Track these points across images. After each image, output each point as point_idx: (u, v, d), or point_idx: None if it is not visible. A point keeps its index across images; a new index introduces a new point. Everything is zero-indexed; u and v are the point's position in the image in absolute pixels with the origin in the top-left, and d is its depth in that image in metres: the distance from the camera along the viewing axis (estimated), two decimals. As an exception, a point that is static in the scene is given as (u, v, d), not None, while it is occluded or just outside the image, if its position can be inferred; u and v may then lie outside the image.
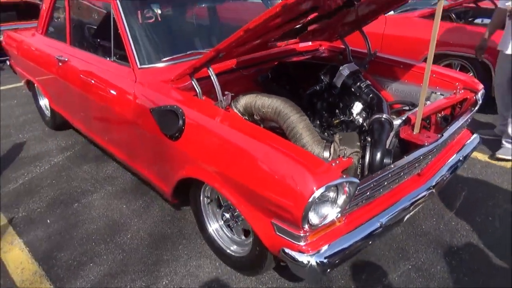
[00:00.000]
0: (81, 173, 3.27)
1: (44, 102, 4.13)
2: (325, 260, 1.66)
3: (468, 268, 2.22)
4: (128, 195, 2.94)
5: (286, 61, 2.72)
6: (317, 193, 1.50)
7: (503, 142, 3.39)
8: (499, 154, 3.35)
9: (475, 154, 3.46)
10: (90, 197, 2.93)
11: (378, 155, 1.82)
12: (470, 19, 5.11)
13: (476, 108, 2.47)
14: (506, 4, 3.09)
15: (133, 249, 2.40)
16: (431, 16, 4.57)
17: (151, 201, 2.86)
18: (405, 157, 1.89)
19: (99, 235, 2.53)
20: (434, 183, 2.17)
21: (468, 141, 2.61)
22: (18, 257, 2.37)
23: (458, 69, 4.25)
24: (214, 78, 2.03)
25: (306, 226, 1.60)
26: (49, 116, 4.06)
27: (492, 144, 3.56)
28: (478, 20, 5.07)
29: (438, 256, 2.31)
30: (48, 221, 2.69)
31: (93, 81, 2.73)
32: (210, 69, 2.04)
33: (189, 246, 2.41)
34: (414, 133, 2.06)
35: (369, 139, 1.90)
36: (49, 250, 2.41)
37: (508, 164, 3.30)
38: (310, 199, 1.50)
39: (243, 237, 2.17)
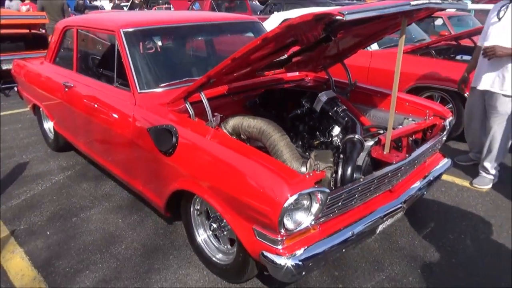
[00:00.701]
0: (80, 191, 3.47)
1: (48, 125, 4.37)
2: (300, 263, 1.85)
3: (438, 279, 2.40)
4: (124, 211, 3.13)
5: (272, 88, 2.99)
6: (291, 199, 1.71)
7: (480, 171, 3.60)
8: (475, 184, 3.56)
9: (453, 178, 3.68)
10: (88, 212, 3.12)
11: (349, 170, 2.05)
12: (451, 56, 5.47)
13: (445, 133, 2.72)
14: (483, 43, 3.37)
15: (127, 258, 2.57)
16: (413, 51, 4.93)
17: (146, 216, 3.05)
18: (374, 172, 2.12)
19: (96, 245, 2.71)
20: (404, 199, 2.38)
21: (440, 164, 2.84)
22: (19, 264, 2.53)
23: (438, 101, 4.54)
24: (205, 101, 2.28)
25: (283, 231, 1.80)
26: (52, 139, 4.29)
27: (470, 170, 3.79)
28: (458, 57, 5.43)
29: (411, 268, 2.48)
30: (48, 233, 2.86)
31: (96, 105, 2.98)
32: (202, 93, 2.30)
33: (179, 256, 2.59)
34: (385, 153, 2.30)
35: (342, 156, 2.14)
36: (48, 259, 2.58)
37: (484, 189, 3.51)
38: (285, 205, 1.71)
39: (228, 246, 2.36)
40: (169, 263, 2.53)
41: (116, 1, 14.90)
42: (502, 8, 3.21)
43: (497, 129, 3.37)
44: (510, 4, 3.19)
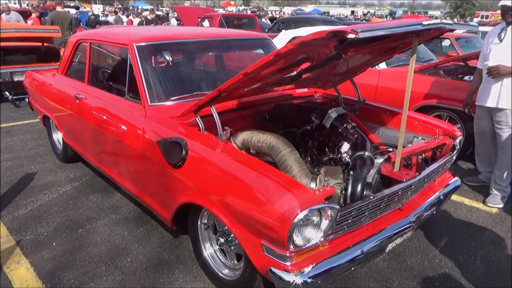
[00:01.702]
0: (87, 202, 3.47)
1: (57, 136, 4.41)
2: (309, 280, 1.82)
3: (447, 301, 2.35)
4: (130, 223, 3.12)
5: (282, 104, 3.00)
6: (301, 215, 1.70)
7: (492, 189, 3.57)
8: (489, 203, 3.53)
9: (462, 198, 3.64)
10: (95, 224, 3.11)
11: (359, 187, 2.04)
12: (460, 76, 5.48)
13: (455, 152, 2.70)
14: (484, 63, 3.44)
15: (132, 272, 2.55)
16: (421, 71, 4.94)
17: (152, 229, 3.03)
18: (384, 190, 2.10)
19: (101, 258, 2.69)
20: (413, 218, 2.35)
21: (449, 183, 2.82)
22: (24, 275, 2.52)
23: (447, 121, 4.53)
24: (215, 115, 2.29)
25: (291, 247, 1.78)
26: (61, 150, 4.32)
27: (479, 191, 3.76)
28: (466, 78, 5.43)
29: (420, 289, 2.44)
30: (54, 244, 2.85)
31: (106, 117, 3.01)
32: (213, 107, 2.31)
33: (185, 270, 2.56)
34: (395, 170, 2.28)
35: (351, 173, 2.13)
36: (53, 270, 2.56)
37: (493, 210, 3.46)
38: (295, 220, 1.69)
39: (235, 262, 2.33)
40: (175, 277, 2.50)
41: (142, 18, 15.28)
42: (503, 31, 3.34)
43: (508, 143, 3.37)
44: (509, 27, 3.31)
